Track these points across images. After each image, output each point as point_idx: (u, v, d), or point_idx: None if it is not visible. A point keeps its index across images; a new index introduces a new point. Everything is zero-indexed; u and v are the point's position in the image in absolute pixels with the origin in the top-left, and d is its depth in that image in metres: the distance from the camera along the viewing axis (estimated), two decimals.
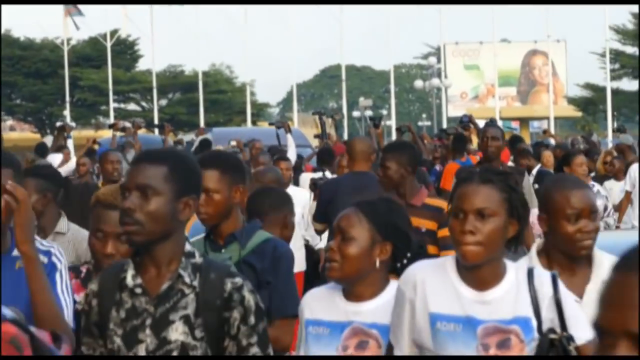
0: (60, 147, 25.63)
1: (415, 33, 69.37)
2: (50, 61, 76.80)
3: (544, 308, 4.57)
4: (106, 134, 39.06)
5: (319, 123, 33.69)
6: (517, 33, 71.26)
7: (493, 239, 4.50)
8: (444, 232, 8.60)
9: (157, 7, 70.79)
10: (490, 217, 4.49)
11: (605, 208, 14.77)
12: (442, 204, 9.30)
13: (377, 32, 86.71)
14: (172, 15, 65.46)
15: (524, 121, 69.97)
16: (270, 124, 38.38)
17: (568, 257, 5.25)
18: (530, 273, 4.66)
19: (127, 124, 31.24)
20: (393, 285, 4.94)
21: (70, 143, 27.55)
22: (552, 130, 47.61)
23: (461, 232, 4.52)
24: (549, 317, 4.59)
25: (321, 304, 5.09)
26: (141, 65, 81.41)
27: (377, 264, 4.90)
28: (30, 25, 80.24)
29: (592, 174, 19.53)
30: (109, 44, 71.48)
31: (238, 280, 4.77)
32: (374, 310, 4.91)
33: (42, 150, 26.68)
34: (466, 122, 24.87)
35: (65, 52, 71.21)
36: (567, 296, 4.66)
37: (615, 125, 60.09)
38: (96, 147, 26.80)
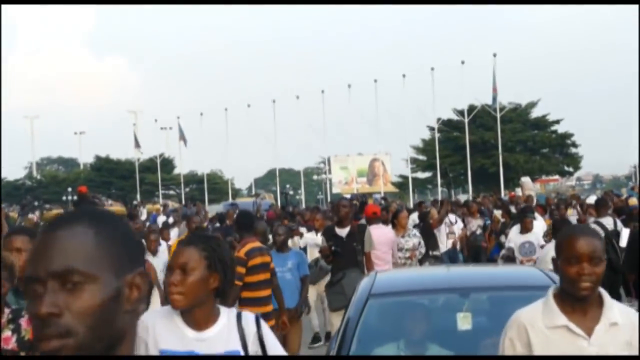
0: (135, 214, 30.36)
1: (314, 150, 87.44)
2: (129, 170, 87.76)
3: (249, 342, 4.43)
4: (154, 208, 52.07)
5: (258, 199, 42.21)
6: (366, 149, 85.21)
7: (193, 289, 4.29)
8: (273, 264, 11.16)
9: (185, 149, 79.72)
10: (191, 272, 4.29)
11: (419, 243, 15.80)
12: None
13: (296, 150, 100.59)
14: (190, 146, 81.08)
15: (370, 195, 69.32)
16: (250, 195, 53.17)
17: (577, 299, 4.34)
18: (239, 315, 4.45)
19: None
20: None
21: (144, 212, 39.38)
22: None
23: (169, 283, 4.35)
24: (254, 349, 4.45)
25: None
26: (175, 171, 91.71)
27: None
28: (119, 150, 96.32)
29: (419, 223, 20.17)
30: (159, 161, 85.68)
31: None
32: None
33: (130, 215, 29.25)
34: (380, 199, 30.39)
35: (136, 165, 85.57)
36: (267, 332, 4.49)
37: (416, 196, 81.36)
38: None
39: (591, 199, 20.98)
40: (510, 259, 15.26)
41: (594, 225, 14.63)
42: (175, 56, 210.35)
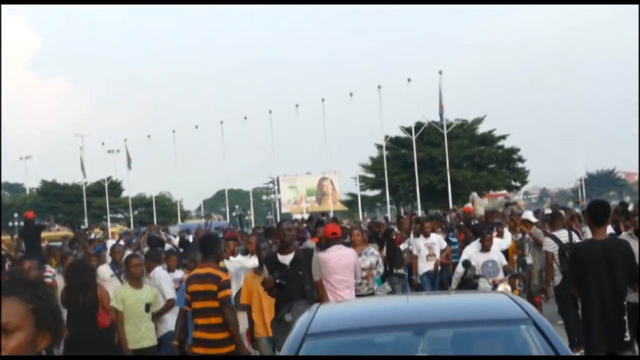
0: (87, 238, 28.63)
1: (263, 170, 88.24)
2: (76, 194, 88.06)
3: None
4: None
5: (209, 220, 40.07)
6: (315, 168, 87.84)
7: (18, 354, 3.06)
8: (225, 293, 10.37)
9: (133, 168, 78.25)
10: (15, 332, 3.05)
11: (377, 262, 15.01)
12: (222, 273, 10.68)
13: (245, 170, 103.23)
14: (139, 169, 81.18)
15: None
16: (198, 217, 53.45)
17: None
18: None
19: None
20: None
21: (92, 235, 33.18)
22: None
23: None
24: None
25: None
26: (123, 194, 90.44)
27: None
28: (66, 174, 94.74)
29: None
30: (106, 184, 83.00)
31: None
32: None
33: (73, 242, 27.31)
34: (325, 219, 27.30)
35: (84, 189, 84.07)
36: None
37: (366, 214, 79.69)
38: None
39: (527, 214, 19.94)
40: (473, 278, 14.36)
41: (548, 239, 14.47)
42: (121, 77, 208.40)
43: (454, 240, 21.51)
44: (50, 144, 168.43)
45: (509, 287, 13.56)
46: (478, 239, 15.24)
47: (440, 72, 62.02)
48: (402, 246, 19.09)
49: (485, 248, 14.67)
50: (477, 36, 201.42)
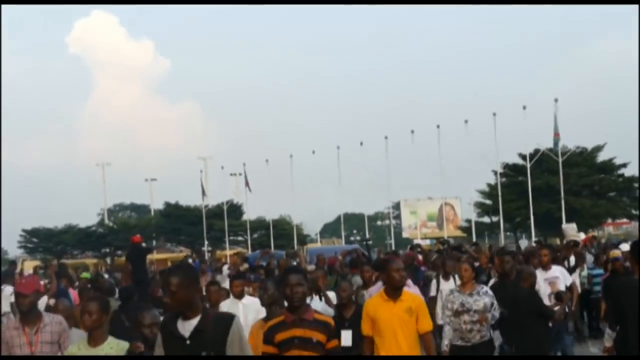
0: (203, 260, 31.94)
1: (382, 195, 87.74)
2: (198, 216, 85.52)
3: None
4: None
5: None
6: (436, 193, 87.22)
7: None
8: (332, 344, 8.01)
9: (252, 195, 79.51)
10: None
11: (492, 304, 12.05)
12: (329, 319, 8.26)
13: (364, 196, 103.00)
14: (258, 193, 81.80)
15: (439, 239, 55.67)
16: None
17: None
18: None
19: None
20: None
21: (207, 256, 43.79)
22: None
23: None
24: None
25: None
26: (244, 217, 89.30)
27: None
28: (188, 196, 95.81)
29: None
30: (225, 207, 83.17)
31: None
32: None
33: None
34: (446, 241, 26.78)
35: (203, 212, 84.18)
36: None
37: (486, 240, 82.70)
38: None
39: (623, 246, 18.89)
40: None
41: None
42: (242, 102, 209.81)
43: (597, 272, 19.87)
44: (175, 166, 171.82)
45: None
46: None
47: (556, 100, 61.46)
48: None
49: None
50: (593, 62, 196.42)
